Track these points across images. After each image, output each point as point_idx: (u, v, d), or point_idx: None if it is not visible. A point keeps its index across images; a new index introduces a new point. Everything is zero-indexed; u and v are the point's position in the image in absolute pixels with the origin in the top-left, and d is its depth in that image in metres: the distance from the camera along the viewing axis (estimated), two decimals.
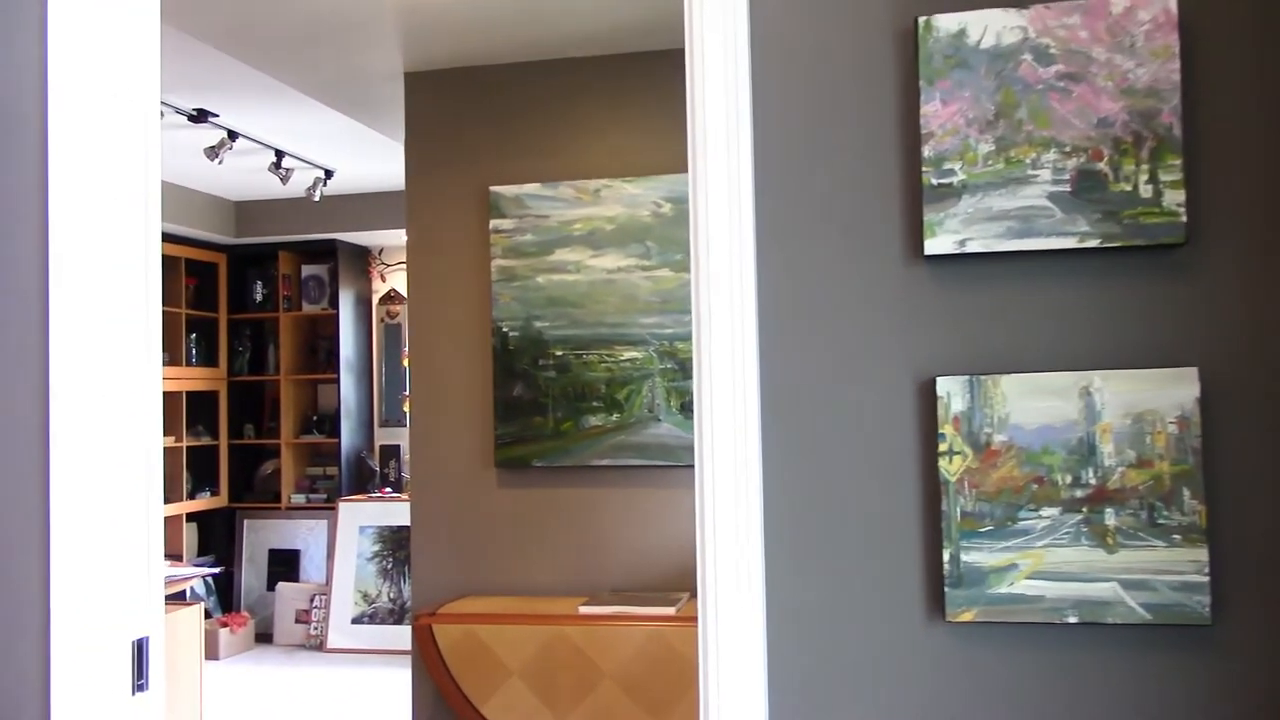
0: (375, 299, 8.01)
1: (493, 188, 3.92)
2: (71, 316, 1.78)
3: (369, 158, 6.23)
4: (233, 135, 5.61)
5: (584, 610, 3.52)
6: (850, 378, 1.55)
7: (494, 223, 3.91)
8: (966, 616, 1.48)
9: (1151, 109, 1.45)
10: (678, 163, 3.78)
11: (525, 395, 3.85)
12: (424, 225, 4.03)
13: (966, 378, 1.50)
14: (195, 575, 4.57)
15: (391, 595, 7.10)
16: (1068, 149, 1.48)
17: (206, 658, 6.95)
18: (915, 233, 1.54)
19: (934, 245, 1.50)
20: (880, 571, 1.53)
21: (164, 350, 7.20)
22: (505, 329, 3.88)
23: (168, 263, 7.21)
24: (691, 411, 3.88)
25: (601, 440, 3.79)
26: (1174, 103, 1.45)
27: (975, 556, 1.48)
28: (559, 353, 3.83)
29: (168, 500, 7.17)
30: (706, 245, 1.59)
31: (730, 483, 1.55)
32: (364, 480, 7.72)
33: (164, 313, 7.10)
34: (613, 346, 3.79)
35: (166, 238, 7.12)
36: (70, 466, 1.78)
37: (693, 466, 3.84)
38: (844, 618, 1.54)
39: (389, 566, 7.16)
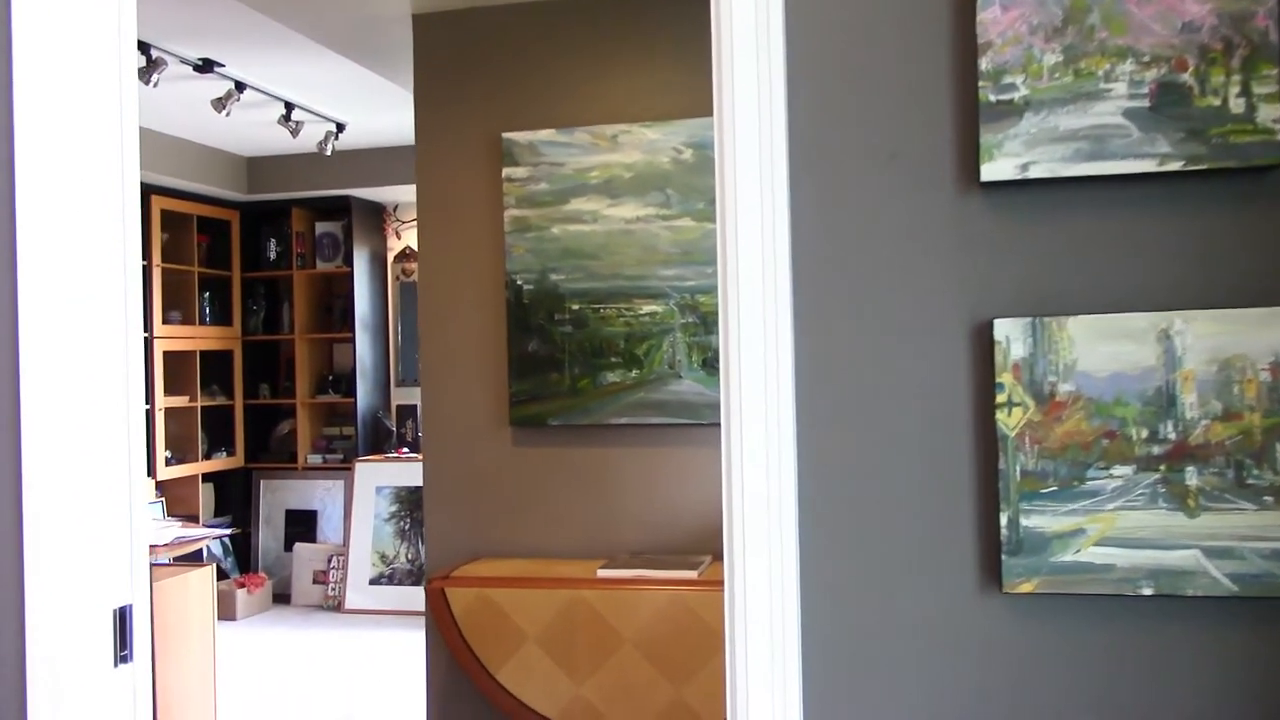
0: (390, 256, 7.86)
1: (505, 134, 3.74)
2: (42, 269, 1.63)
3: (381, 110, 6.05)
4: (240, 86, 5.44)
5: (602, 573, 3.39)
6: (895, 322, 1.38)
7: (507, 171, 3.74)
8: (1026, 587, 1.33)
9: (1244, 11, 1.27)
10: (699, 106, 3.59)
11: (541, 351, 3.70)
12: (434, 175, 3.86)
13: (1028, 320, 1.33)
14: (206, 537, 4.47)
15: (409, 556, 7.01)
16: (1146, 59, 1.30)
17: (223, 619, 6.89)
18: (970, 157, 1.36)
19: (992, 170, 1.33)
20: (928, 537, 1.37)
21: (177, 309, 7.11)
22: (519, 282, 3.72)
23: (179, 220, 7.08)
24: (714, 367, 3.73)
25: (620, 398, 3.64)
26: (1270, 4, 1.27)
27: (1037, 520, 1.32)
28: (575, 307, 3.67)
29: (183, 460, 7.09)
30: (734, 176, 1.43)
31: (760, 441, 1.39)
32: (381, 440, 7.61)
33: (176, 271, 7.02)
34: (631, 300, 3.62)
35: (178, 194, 6.99)
36: (43, 427, 1.64)
37: (716, 424, 3.70)
38: (887, 589, 1.38)
39: (406, 527, 7.07)
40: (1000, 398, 1.33)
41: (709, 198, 3.55)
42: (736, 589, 1.39)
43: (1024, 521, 1.32)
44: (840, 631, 1.39)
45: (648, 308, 3.61)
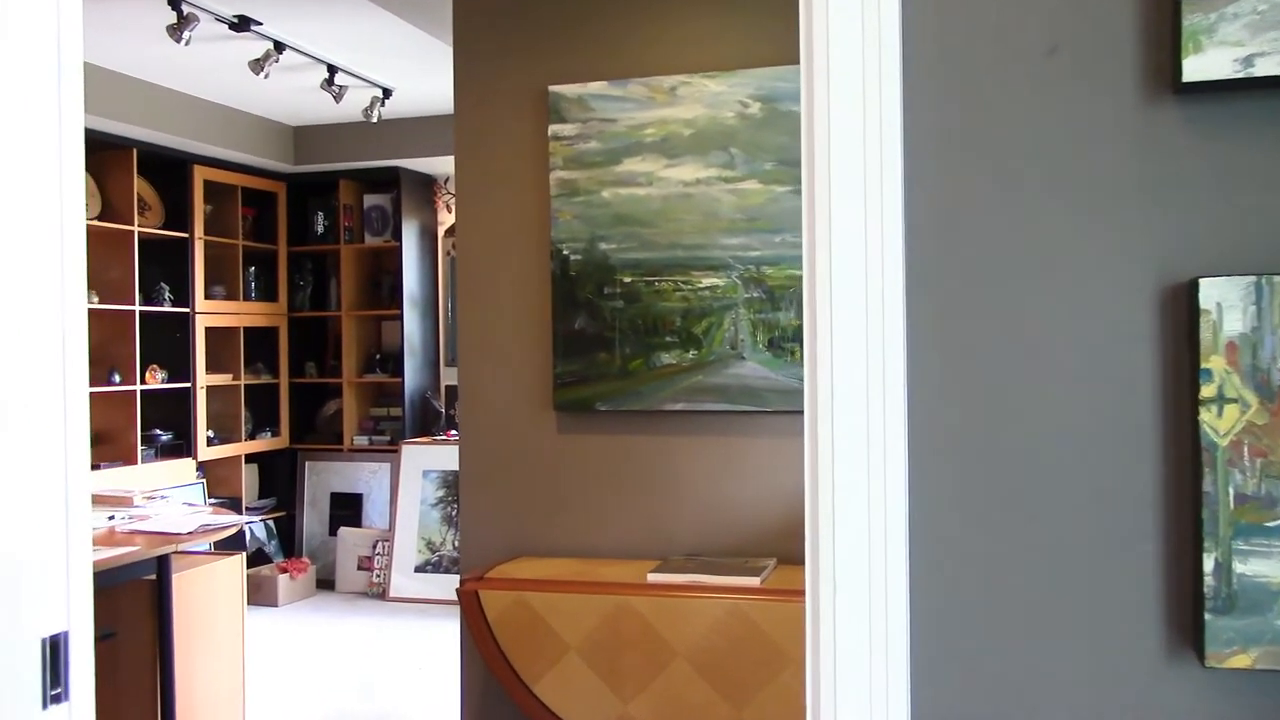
0: (440, 230, 7.56)
1: (552, 88, 3.37)
2: None
3: (429, 74, 5.72)
4: (279, 46, 5.14)
5: (653, 578, 3.03)
6: (1051, 283, 0.99)
7: (553, 128, 3.37)
8: (1240, 661, 0.93)
9: None
10: (769, 53, 3.19)
11: (588, 329, 3.34)
12: (473, 133, 3.51)
13: (1249, 280, 0.93)
14: (232, 524, 4.18)
15: (456, 543, 6.72)
16: None
17: (265, 605, 6.67)
18: (1165, 49, 0.97)
19: (1198, 67, 0.94)
20: (1093, 584, 0.98)
21: (220, 284, 6.86)
22: (566, 252, 3.36)
23: (223, 192, 6.85)
24: (782, 348, 3.34)
25: (676, 380, 3.26)
26: None
27: (1258, 567, 0.93)
28: (627, 279, 3.30)
29: (226, 441, 6.87)
30: (825, 83, 1.04)
31: (859, 445, 1.01)
32: (429, 422, 7.34)
33: (220, 244, 6.76)
34: (689, 272, 3.24)
35: (222, 165, 6.74)
36: None
37: (782, 412, 3.33)
38: (1031, 653, 1.00)
39: (453, 513, 6.78)
40: (1207, 390, 0.94)
41: (778, 158, 3.16)
42: (824, 651, 1.02)
43: (1239, 567, 0.93)
44: (967, 712, 1.01)
45: (708, 281, 3.23)
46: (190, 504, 5.22)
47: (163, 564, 3.86)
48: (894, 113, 1.02)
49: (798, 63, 3.02)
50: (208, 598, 4.35)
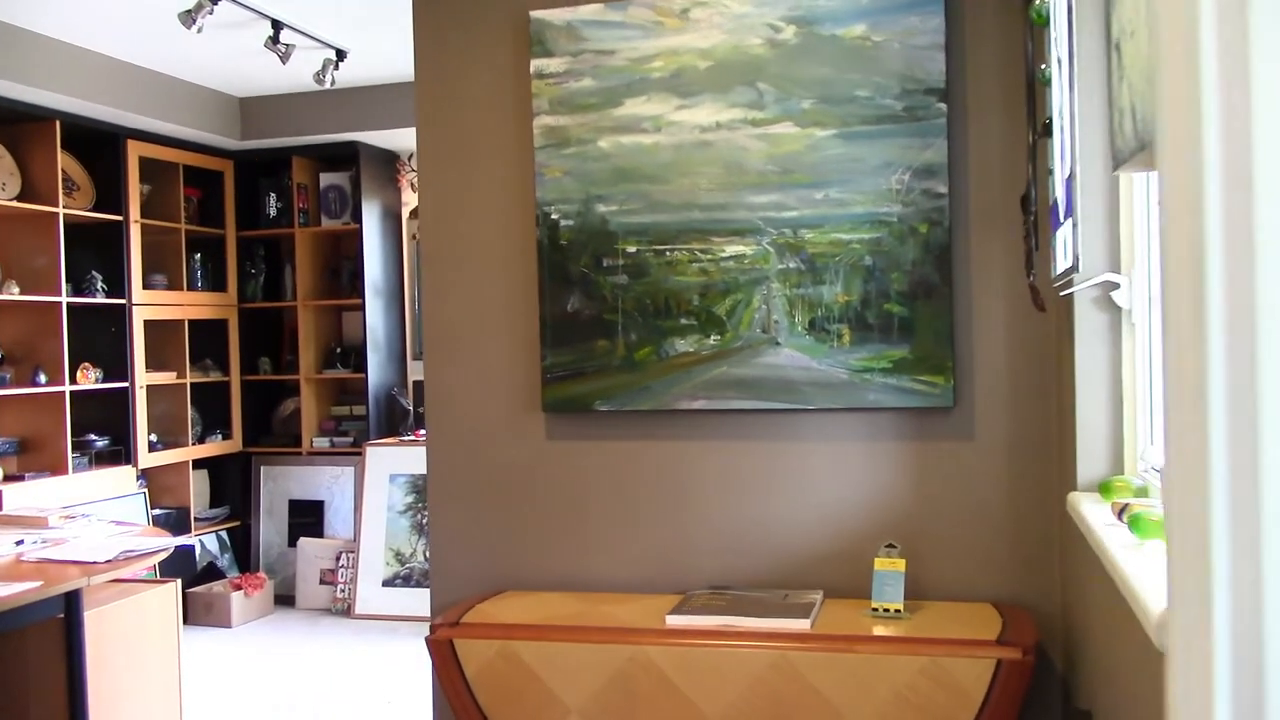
0: (405, 212, 6.91)
1: (534, 13, 2.75)
2: None
3: (388, 34, 5.07)
4: None
5: (673, 621, 2.42)
6: None
7: (537, 64, 2.74)
8: None
9: None
10: None
11: (584, 310, 2.72)
12: (438, 73, 2.87)
13: None
14: (160, 549, 3.52)
15: (427, 554, 6.10)
16: None
17: (218, 626, 6.03)
18: None
19: None
20: None
21: (161, 272, 6.17)
22: (555, 216, 2.74)
23: (163, 170, 6.17)
24: (826, 330, 2.72)
25: (694, 373, 2.65)
26: None
27: None
28: (631, 249, 2.68)
29: (172, 445, 6.21)
30: None
31: None
32: (396, 421, 6.70)
33: (161, 229, 6.04)
34: (709, 238, 2.63)
35: (161, 140, 6.07)
36: None
37: (828, 410, 2.68)
38: None
39: (424, 521, 6.16)
40: None
41: (820, 94, 2.55)
42: None
43: None
44: None
45: (732, 249, 2.62)
46: (119, 522, 4.55)
47: (72, 601, 3.22)
48: None
49: None
50: (136, 633, 3.71)
